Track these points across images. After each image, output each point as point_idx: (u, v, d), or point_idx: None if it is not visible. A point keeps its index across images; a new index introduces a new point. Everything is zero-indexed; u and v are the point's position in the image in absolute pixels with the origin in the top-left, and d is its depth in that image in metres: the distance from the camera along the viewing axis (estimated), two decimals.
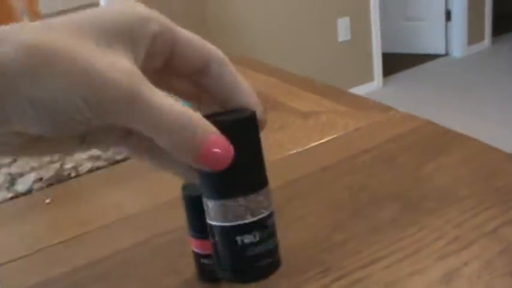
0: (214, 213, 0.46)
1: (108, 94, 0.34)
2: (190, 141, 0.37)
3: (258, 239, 0.46)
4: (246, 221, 0.45)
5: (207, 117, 0.41)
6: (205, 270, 0.81)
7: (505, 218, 0.89)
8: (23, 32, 0.32)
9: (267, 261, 0.47)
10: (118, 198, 1.11)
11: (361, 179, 1.03)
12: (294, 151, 1.18)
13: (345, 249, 0.85)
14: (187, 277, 0.83)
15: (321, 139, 1.23)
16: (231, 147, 0.40)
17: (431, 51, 5.25)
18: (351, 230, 0.90)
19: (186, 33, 0.39)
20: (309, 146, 1.19)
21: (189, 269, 0.84)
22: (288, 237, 0.90)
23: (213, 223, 0.46)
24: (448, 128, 1.22)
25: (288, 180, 1.06)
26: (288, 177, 1.07)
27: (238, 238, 0.46)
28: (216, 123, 0.41)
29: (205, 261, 0.81)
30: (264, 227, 0.46)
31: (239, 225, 0.45)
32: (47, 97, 0.32)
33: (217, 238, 0.47)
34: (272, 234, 0.47)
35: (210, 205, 0.45)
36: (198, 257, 0.81)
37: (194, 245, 0.81)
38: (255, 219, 0.45)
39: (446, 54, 5.23)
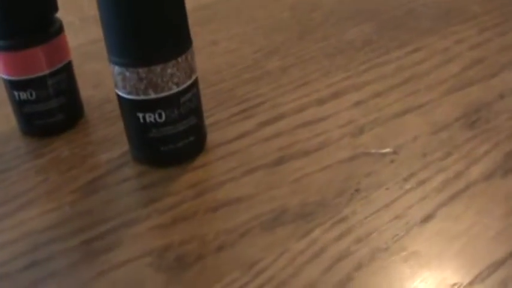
0: (115, 79, 0.37)
1: None
2: None
3: (163, 119, 0.36)
4: (148, 97, 0.35)
5: None
6: (26, 116, 0.44)
7: None
8: None
9: (178, 145, 0.38)
10: None
11: None
12: None
13: (285, 79, 0.44)
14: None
15: None
16: None
17: None
18: (296, 54, 0.49)
19: None
20: None
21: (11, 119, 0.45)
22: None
23: (116, 90, 0.38)
24: None
25: (200, 4, 0.64)
26: (200, 1, 0.65)
27: (140, 115, 0.36)
28: None
29: (21, 95, 0.40)
30: (174, 106, 0.36)
31: (139, 100, 0.36)
32: None
33: (122, 111, 0.38)
34: (187, 114, 0.37)
35: (112, 69, 0.37)
36: (10, 89, 0.40)
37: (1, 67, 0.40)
38: (159, 96, 0.35)
39: None
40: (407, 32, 0.56)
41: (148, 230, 0.34)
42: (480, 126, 0.41)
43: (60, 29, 0.44)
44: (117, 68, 0.35)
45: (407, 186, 0.35)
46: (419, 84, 0.47)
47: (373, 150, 0.39)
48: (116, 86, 0.37)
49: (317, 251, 0.31)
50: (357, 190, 0.35)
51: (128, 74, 0.35)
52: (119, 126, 0.44)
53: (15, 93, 0.43)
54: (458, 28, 0.57)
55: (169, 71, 0.35)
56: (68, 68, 0.44)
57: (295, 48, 0.54)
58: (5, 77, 0.43)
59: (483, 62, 0.50)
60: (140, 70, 0.35)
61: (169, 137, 0.37)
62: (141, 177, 0.38)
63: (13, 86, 0.43)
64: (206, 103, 0.45)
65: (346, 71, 0.49)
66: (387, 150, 0.39)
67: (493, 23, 0.57)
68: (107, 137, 0.43)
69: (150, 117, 0.36)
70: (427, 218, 0.33)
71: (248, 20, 0.62)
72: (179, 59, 0.35)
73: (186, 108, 0.37)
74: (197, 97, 0.38)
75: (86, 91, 0.49)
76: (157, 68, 0.35)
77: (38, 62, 0.42)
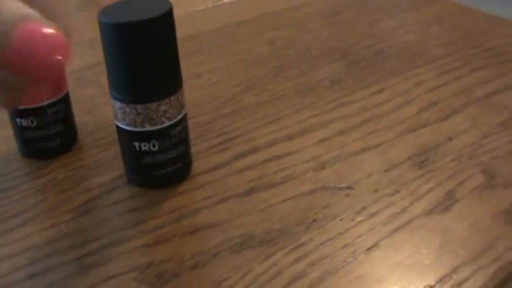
0: (116, 113, 0.42)
1: None
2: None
3: (156, 148, 0.42)
4: (144, 129, 0.41)
5: None
6: (26, 141, 0.50)
7: (503, 83, 0.56)
8: None
9: (167, 170, 0.44)
10: None
11: (289, 35, 0.68)
12: (202, 7, 0.81)
13: (259, 114, 0.50)
14: (0, 153, 0.47)
15: None
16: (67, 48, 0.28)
17: None
18: (271, 90, 0.55)
19: None
20: (222, 2, 0.83)
21: (11, 141, 0.52)
22: None
23: (116, 122, 0.43)
24: None
25: (186, 35, 0.70)
26: (187, 32, 0.71)
27: (136, 144, 0.42)
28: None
29: (22, 122, 0.45)
30: (166, 137, 0.42)
31: (136, 131, 0.42)
32: None
33: (120, 140, 0.44)
34: (177, 144, 0.43)
35: (114, 103, 0.42)
36: (13, 116, 0.46)
37: None
38: (154, 128, 0.42)
39: None
40: (374, 72, 0.62)
41: (134, 248, 0.39)
42: (427, 166, 0.47)
43: None
44: (118, 104, 0.41)
45: (359, 218, 0.41)
46: (378, 124, 0.53)
47: (331, 185, 0.45)
48: (116, 118, 0.42)
49: (276, 272, 0.37)
50: (314, 220, 0.41)
51: (127, 109, 0.41)
52: (110, 152, 0.49)
53: (17, 120, 0.49)
54: (420, 70, 0.63)
55: (163, 107, 0.41)
56: (65, 99, 0.50)
57: (271, 84, 0.60)
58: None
59: (437, 104, 0.56)
60: (138, 106, 0.41)
61: (160, 163, 0.43)
62: (129, 201, 0.44)
63: (16, 113, 0.49)
64: None
65: (314, 109, 0.55)
66: (344, 185, 0.45)
67: (451, 66, 0.64)
68: (99, 162, 0.49)
69: (145, 146, 0.42)
70: (372, 247, 0.39)
71: (230, 53, 0.68)
72: (171, 98, 0.41)
73: (176, 139, 0.43)
74: (186, 129, 0.44)
75: (80, 117, 0.55)
76: (153, 105, 0.41)
77: (40, 94, 0.48)
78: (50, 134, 0.49)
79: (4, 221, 0.43)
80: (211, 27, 0.75)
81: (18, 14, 0.27)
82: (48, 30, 0.27)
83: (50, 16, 0.28)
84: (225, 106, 0.56)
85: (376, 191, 0.43)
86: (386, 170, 0.46)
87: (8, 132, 0.52)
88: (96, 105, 0.57)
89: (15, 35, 0.26)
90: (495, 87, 0.58)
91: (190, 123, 0.53)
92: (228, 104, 0.56)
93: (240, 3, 0.85)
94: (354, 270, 0.37)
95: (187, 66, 0.64)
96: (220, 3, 0.86)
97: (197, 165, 0.47)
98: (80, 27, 0.80)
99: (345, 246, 0.39)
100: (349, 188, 0.44)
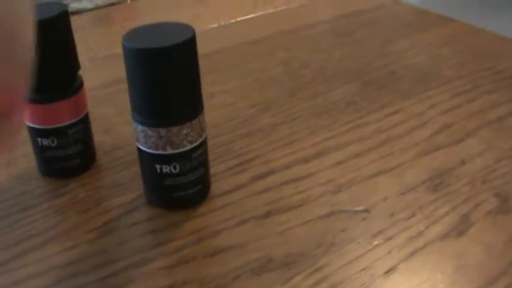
0: (138, 135, 0.43)
1: None
2: None
3: (177, 170, 0.43)
4: (165, 152, 0.42)
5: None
6: (46, 160, 0.51)
7: None
8: None
9: (188, 192, 0.45)
10: None
11: (303, 55, 0.69)
12: (215, 25, 0.82)
13: (275, 136, 0.51)
14: (20, 171, 0.48)
15: (253, 13, 0.87)
16: None
17: None
18: (286, 111, 0.56)
19: None
20: (235, 20, 0.84)
21: (31, 159, 0.53)
22: None
23: (137, 144, 0.44)
24: (425, 9, 0.89)
25: (200, 53, 0.71)
26: (199, 50, 0.72)
27: (157, 166, 0.43)
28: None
29: (43, 141, 0.46)
30: (187, 159, 0.43)
31: (158, 154, 0.43)
32: None
33: (141, 162, 0.45)
34: (197, 167, 0.44)
35: (135, 126, 0.43)
36: (34, 135, 0.46)
37: (27, 116, 0.47)
38: (175, 151, 0.42)
39: None
40: (387, 94, 0.63)
41: (156, 270, 0.40)
42: (442, 189, 0.48)
43: (80, 85, 0.50)
44: (140, 127, 0.42)
45: (375, 242, 0.42)
46: (394, 146, 0.54)
47: (348, 208, 0.45)
48: (137, 140, 0.43)
49: None
50: (332, 243, 0.42)
51: (150, 132, 0.42)
52: (129, 172, 0.50)
53: (39, 139, 0.50)
54: (433, 92, 0.64)
55: (184, 131, 0.42)
56: (85, 119, 0.51)
57: (286, 105, 0.61)
58: (31, 125, 0.50)
59: (451, 127, 0.57)
60: (161, 130, 0.42)
61: (181, 185, 0.44)
62: (149, 222, 0.45)
63: (37, 133, 0.50)
64: None
65: (330, 130, 0.56)
66: (360, 208, 0.45)
67: (463, 88, 0.65)
68: (118, 182, 0.50)
69: (166, 169, 0.43)
70: (390, 271, 0.40)
71: (244, 73, 0.69)
72: (193, 121, 0.42)
73: (197, 161, 0.44)
74: (206, 152, 0.45)
75: (98, 136, 0.56)
76: (175, 129, 0.42)
77: (61, 114, 0.49)
78: (70, 154, 0.50)
79: (27, 239, 0.43)
80: (224, 46, 0.76)
81: None
82: None
83: None
84: (241, 127, 0.56)
85: (392, 214, 0.44)
86: (403, 193, 0.47)
87: (27, 149, 0.53)
88: (113, 124, 0.58)
89: None
90: (506, 111, 0.59)
91: (208, 144, 0.53)
92: (243, 125, 0.57)
93: (253, 21, 0.86)
94: None
95: (201, 85, 0.65)
96: (232, 21, 0.87)
97: (215, 186, 0.48)
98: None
99: (363, 269, 0.39)
100: (366, 211, 0.44)
